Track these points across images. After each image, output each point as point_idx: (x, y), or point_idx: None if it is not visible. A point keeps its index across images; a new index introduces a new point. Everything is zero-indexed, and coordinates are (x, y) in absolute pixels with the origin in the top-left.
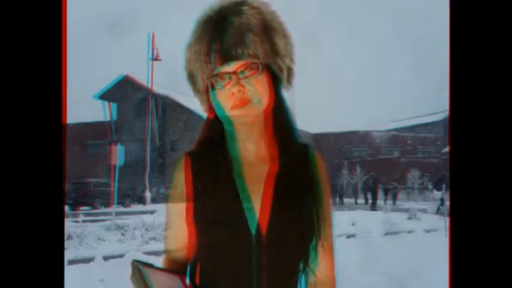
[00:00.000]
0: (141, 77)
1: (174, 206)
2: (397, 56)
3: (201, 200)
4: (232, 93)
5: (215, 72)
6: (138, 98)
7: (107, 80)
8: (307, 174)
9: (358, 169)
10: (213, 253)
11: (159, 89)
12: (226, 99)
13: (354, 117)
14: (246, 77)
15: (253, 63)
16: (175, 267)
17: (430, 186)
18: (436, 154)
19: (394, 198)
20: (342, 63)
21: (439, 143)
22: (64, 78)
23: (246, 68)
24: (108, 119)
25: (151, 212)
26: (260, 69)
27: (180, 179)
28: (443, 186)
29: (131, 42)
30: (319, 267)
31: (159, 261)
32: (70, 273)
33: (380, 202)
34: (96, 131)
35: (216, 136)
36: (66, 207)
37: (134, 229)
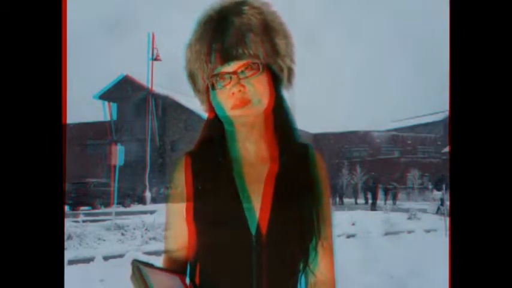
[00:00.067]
0: (141, 77)
1: (174, 206)
2: (397, 56)
3: (201, 200)
4: (233, 93)
5: (215, 72)
6: (138, 98)
7: (107, 80)
8: (307, 174)
9: (358, 169)
10: (213, 253)
11: (159, 89)
12: (226, 99)
13: (354, 117)
14: (247, 77)
15: (253, 63)
16: (175, 267)
17: (430, 186)
18: (436, 154)
19: (394, 198)
20: (342, 63)
21: (439, 143)
22: (64, 78)
23: (246, 68)
24: (108, 119)
25: (151, 212)
26: (260, 69)
27: (180, 179)
28: (443, 186)
29: (131, 42)
30: (319, 267)
31: (159, 261)
32: (70, 273)
33: (380, 202)
34: (96, 131)
35: (216, 136)
36: (66, 207)
37: (134, 229)
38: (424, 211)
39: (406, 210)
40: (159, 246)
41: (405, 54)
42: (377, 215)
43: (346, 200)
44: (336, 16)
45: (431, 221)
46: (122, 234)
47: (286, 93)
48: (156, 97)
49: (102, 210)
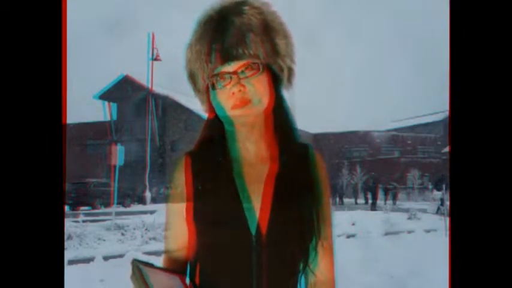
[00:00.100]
0: (141, 77)
1: (174, 206)
2: (397, 56)
3: (201, 200)
4: (233, 93)
5: (216, 72)
6: (138, 98)
7: (107, 80)
8: (307, 174)
9: (358, 169)
10: (213, 253)
11: (159, 89)
12: (226, 99)
13: (354, 117)
14: (247, 77)
15: (253, 63)
16: (175, 267)
17: (430, 186)
18: (436, 154)
19: (394, 198)
20: (342, 63)
21: (439, 143)
22: (64, 78)
23: (246, 68)
24: (108, 119)
25: (151, 212)
26: (261, 69)
27: (180, 179)
28: (443, 186)
29: (131, 42)
30: (319, 267)
31: (159, 261)
32: (70, 273)
33: (380, 202)
34: (96, 131)
35: (216, 136)
36: (66, 207)
37: (134, 229)
38: (424, 211)
39: (406, 210)
40: (159, 246)
41: (405, 54)
42: (377, 215)
43: (346, 200)
44: (336, 16)
45: (431, 221)
46: (122, 234)
47: (286, 93)
48: (156, 97)
49: (102, 210)
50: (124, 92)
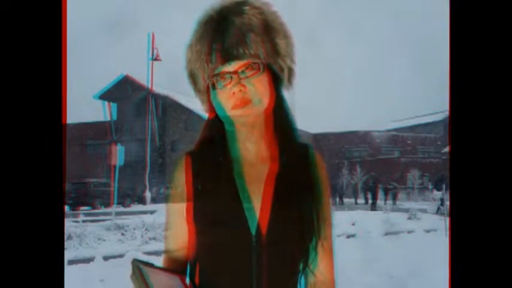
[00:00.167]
0: (141, 77)
1: (174, 206)
2: (397, 56)
3: (201, 200)
4: (233, 93)
5: (216, 72)
6: (138, 98)
7: (107, 80)
8: (307, 174)
9: (358, 169)
10: (213, 253)
11: (159, 89)
12: (227, 99)
13: (354, 117)
14: (247, 77)
15: (254, 63)
16: (176, 267)
17: (430, 186)
18: (436, 154)
19: (394, 198)
20: (342, 63)
21: (439, 143)
22: (64, 78)
23: (247, 68)
24: (108, 119)
25: (151, 212)
26: (261, 69)
27: (181, 179)
28: (443, 186)
29: (131, 42)
30: (319, 267)
31: (159, 261)
32: (70, 273)
33: (380, 202)
34: (96, 131)
35: (216, 136)
36: (66, 207)
37: (134, 229)
38: (424, 211)
39: (406, 210)
40: (159, 246)
41: (405, 54)
42: (377, 215)
43: (346, 200)
44: (336, 16)
45: (431, 221)
46: (122, 234)
47: (286, 93)
48: (156, 97)
49: (102, 210)
50: (124, 92)
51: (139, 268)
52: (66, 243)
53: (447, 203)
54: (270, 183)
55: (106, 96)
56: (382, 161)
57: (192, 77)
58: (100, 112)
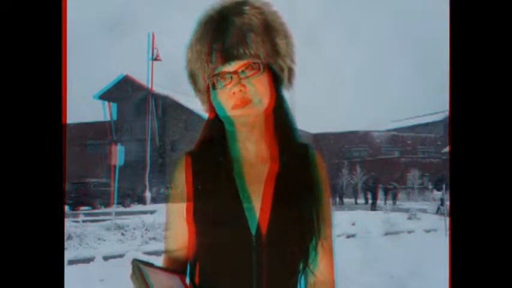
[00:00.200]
0: (141, 77)
1: (174, 205)
2: (397, 56)
3: (201, 200)
4: (233, 93)
5: (216, 72)
6: (138, 98)
7: (107, 80)
8: (307, 174)
9: (358, 169)
10: (213, 253)
11: (159, 89)
12: (227, 99)
13: (354, 117)
14: (247, 77)
15: (254, 63)
16: (175, 267)
17: (430, 186)
18: (436, 154)
19: (394, 198)
20: (342, 63)
21: (439, 143)
22: (64, 78)
23: (247, 68)
24: (108, 119)
25: (151, 212)
26: (261, 69)
27: (181, 179)
28: (443, 186)
29: (131, 42)
30: (319, 267)
31: (159, 261)
32: (70, 273)
33: (380, 202)
34: (96, 131)
35: (216, 136)
36: (66, 207)
37: (134, 229)
38: (424, 211)
39: (406, 210)
40: (159, 246)
41: (405, 54)
42: (377, 215)
43: (346, 200)
44: (336, 16)
45: (431, 221)
46: (122, 234)
47: (286, 93)
48: (156, 97)
49: (102, 210)
50: (124, 92)
51: (139, 268)
52: (66, 243)
53: (447, 203)
54: (270, 183)
55: (106, 96)
56: (382, 161)
57: (192, 77)
58: (100, 112)
